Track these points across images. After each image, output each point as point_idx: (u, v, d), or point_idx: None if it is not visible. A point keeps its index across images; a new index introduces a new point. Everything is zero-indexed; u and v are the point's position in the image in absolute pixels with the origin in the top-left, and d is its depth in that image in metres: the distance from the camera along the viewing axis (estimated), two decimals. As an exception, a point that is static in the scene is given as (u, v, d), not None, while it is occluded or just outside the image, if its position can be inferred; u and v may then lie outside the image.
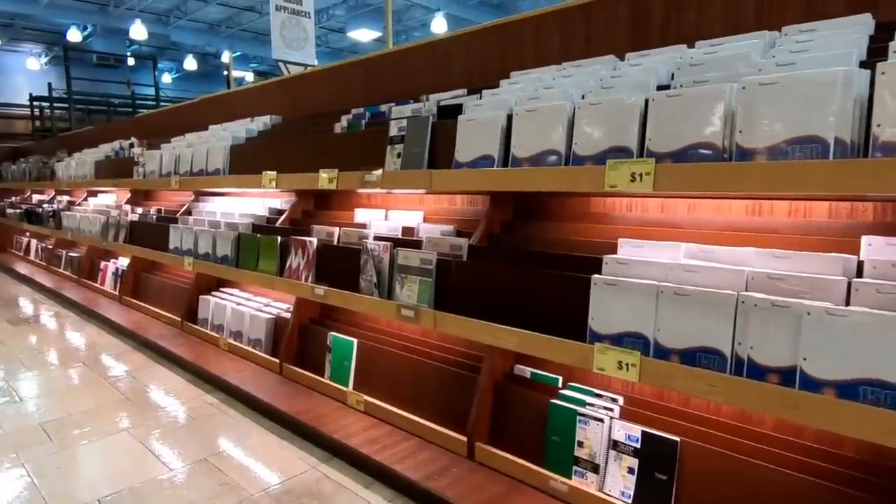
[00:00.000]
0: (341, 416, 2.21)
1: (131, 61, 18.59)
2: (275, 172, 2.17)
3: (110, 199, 4.77)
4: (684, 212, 1.69)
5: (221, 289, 3.46)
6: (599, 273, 1.43)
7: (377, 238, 2.04)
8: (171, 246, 3.14)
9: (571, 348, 1.41)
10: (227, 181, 2.52)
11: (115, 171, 3.77)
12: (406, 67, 2.61)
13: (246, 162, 2.47)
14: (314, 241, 2.19)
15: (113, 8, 15.00)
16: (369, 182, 1.77)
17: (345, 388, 2.30)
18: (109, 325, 3.82)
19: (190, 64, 17.75)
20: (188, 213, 3.46)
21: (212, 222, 2.91)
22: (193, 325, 3.33)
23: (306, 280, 2.22)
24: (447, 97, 1.98)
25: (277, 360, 2.64)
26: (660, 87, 1.43)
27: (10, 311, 4.35)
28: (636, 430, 1.41)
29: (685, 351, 1.25)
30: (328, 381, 2.37)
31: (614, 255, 1.47)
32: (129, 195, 4.45)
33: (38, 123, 17.08)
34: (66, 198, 5.52)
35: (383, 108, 2.21)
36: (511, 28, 2.34)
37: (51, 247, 5.74)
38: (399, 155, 1.77)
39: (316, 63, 8.88)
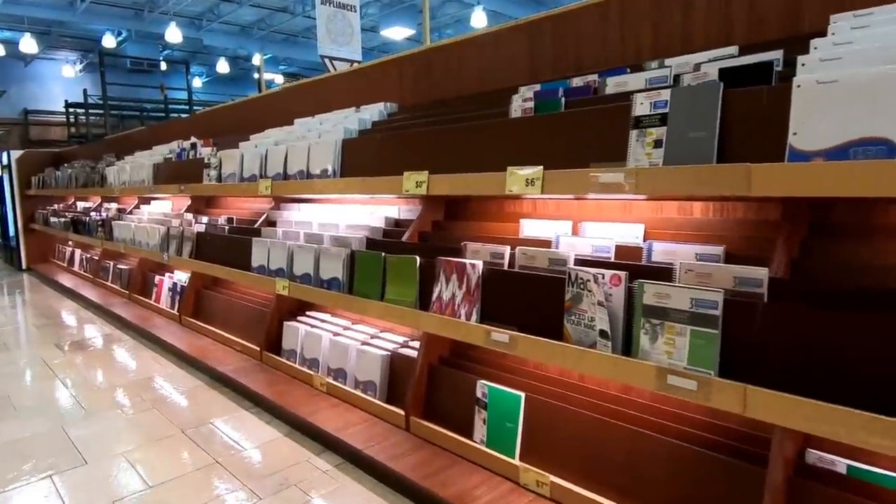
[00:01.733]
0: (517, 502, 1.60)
1: (163, 66, 18.44)
2: (425, 174, 1.57)
3: (165, 207, 4.26)
4: None
5: (307, 313, 2.88)
6: None
7: (583, 262, 1.43)
8: (255, 263, 2.57)
9: None
10: (339, 186, 1.92)
11: (180, 174, 3.24)
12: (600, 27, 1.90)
13: (367, 160, 1.88)
14: (478, 264, 1.59)
15: (147, 12, 14.75)
16: (608, 185, 1.16)
17: (510, 460, 1.69)
18: (172, 353, 3.28)
19: (222, 67, 17.48)
20: (270, 223, 2.90)
21: (310, 236, 2.33)
22: (276, 357, 2.76)
23: (468, 317, 1.62)
24: (706, 57, 1.37)
25: (402, 413, 2.04)
26: None
27: (59, 331, 3.86)
28: None
29: None
30: (483, 448, 1.77)
31: None
32: (188, 202, 3.92)
33: (73, 130, 17.02)
34: (114, 205, 5.05)
35: (576, 81, 1.60)
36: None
37: (97, 258, 5.28)
38: (657, 143, 1.16)
39: (361, 59, 8.34)
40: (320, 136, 2.17)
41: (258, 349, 2.88)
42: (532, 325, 1.47)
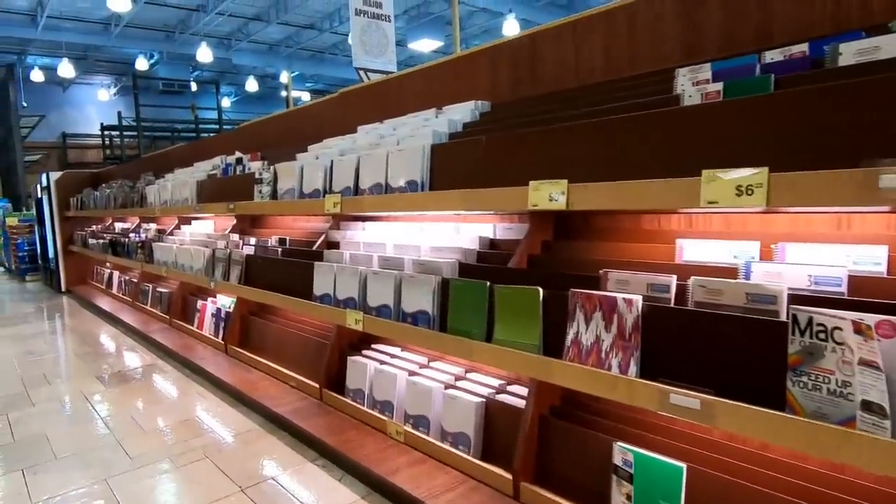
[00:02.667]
0: None
1: (193, 87, 18.71)
2: (563, 183, 1.20)
3: (208, 227, 4.01)
4: None
5: (373, 346, 2.53)
6: None
7: (807, 300, 1.04)
8: (319, 291, 2.24)
9: None
10: (430, 201, 1.56)
11: (227, 192, 2.95)
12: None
13: (468, 168, 1.51)
14: (636, 299, 1.21)
15: (178, 34, 14.95)
16: None
17: (673, 550, 1.29)
18: (221, 388, 2.97)
19: (251, 86, 17.62)
20: (331, 244, 2.57)
21: (386, 260, 1.98)
22: (338, 396, 2.41)
23: (623, 370, 1.24)
24: None
25: (507, 476, 1.66)
26: None
27: (99, 362, 3.60)
28: None
29: None
30: (629, 530, 1.37)
31: None
32: (232, 222, 3.65)
33: (108, 152, 17.33)
34: (153, 226, 4.83)
35: (772, 56, 1.23)
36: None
37: (136, 280, 5.06)
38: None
39: (395, 70, 8.10)
40: (399, 142, 1.83)
41: (317, 386, 2.54)
42: (723, 385, 1.08)
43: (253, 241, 3.09)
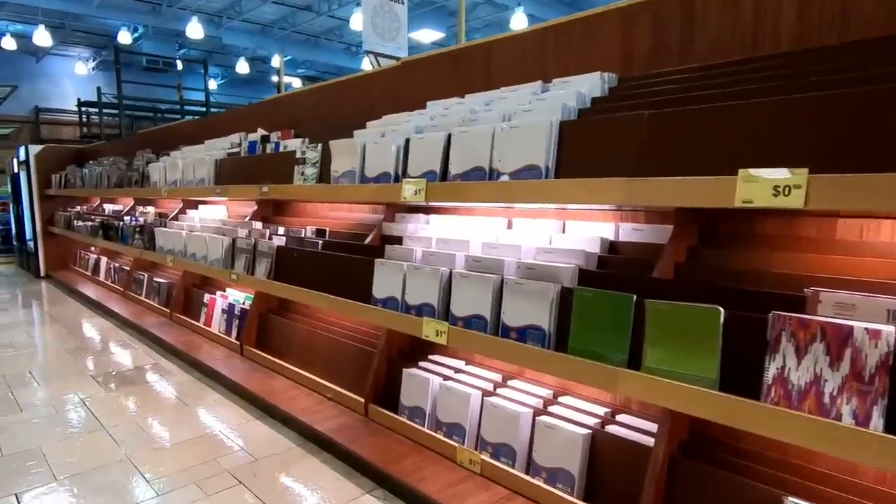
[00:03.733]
0: None
1: (179, 66, 17.87)
2: (802, 173, 0.90)
3: (218, 212, 3.60)
4: None
5: (430, 356, 2.21)
6: None
7: None
8: (380, 294, 1.90)
9: None
10: (567, 190, 1.23)
11: (258, 172, 2.56)
12: None
13: (620, 150, 1.20)
14: (887, 330, 0.94)
15: (166, 7, 14.17)
16: None
17: None
18: (241, 395, 2.60)
19: (242, 68, 16.93)
20: (388, 239, 2.22)
21: (476, 261, 1.66)
22: (389, 414, 2.09)
23: (861, 421, 0.96)
24: None
25: (633, 524, 1.38)
26: None
27: (94, 359, 3.18)
28: None
29: None
30: None
31: None
32: (252, 208, 3.25)
33: (84, 130, 16.39)
34: (151, 209, 4.38)
35: None
36: None
37: (127, 268, 4.60)
38: None
39: (407, 56, 7.71)
40: (508, 118, 1.50)
41: (361, 401, 2.21)
42: None
43: (281, 230, 2.72)
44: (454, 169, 1.61)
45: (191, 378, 2.89)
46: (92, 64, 18.81)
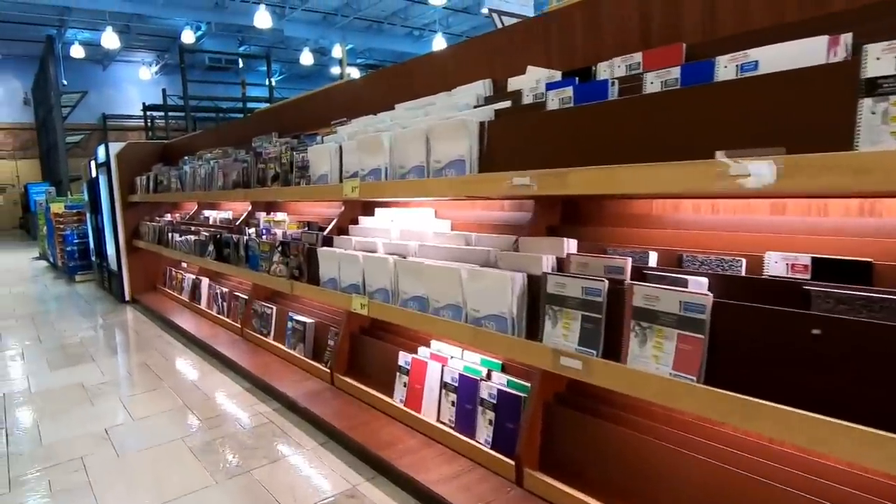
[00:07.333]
0: None
1: (240, 63, 17.10)
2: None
3: (415, 218, 2.13)
4: None
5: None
6: None
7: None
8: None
9: None
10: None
11: (615, 132, 1.09)
12: None
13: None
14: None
15: (229, 1, 13.21)
16: None
17: None
18: None
19: (307, 59, 15.89)
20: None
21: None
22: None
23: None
24: None
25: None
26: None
27: (243, 474, 1.84)
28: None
29: None
30: None
31: None
32: (495, 211, 1.82)
33: (150, 134, 15.86)
34: (282, 215, 3.08)
35: None
36: None
37: (243, 296, 3.34)
38: None
39: (532, 14, 6.18)
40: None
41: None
42: None
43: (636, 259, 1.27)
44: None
45: (432, 533, 1.51)
46: (155, 68, 18.33)
